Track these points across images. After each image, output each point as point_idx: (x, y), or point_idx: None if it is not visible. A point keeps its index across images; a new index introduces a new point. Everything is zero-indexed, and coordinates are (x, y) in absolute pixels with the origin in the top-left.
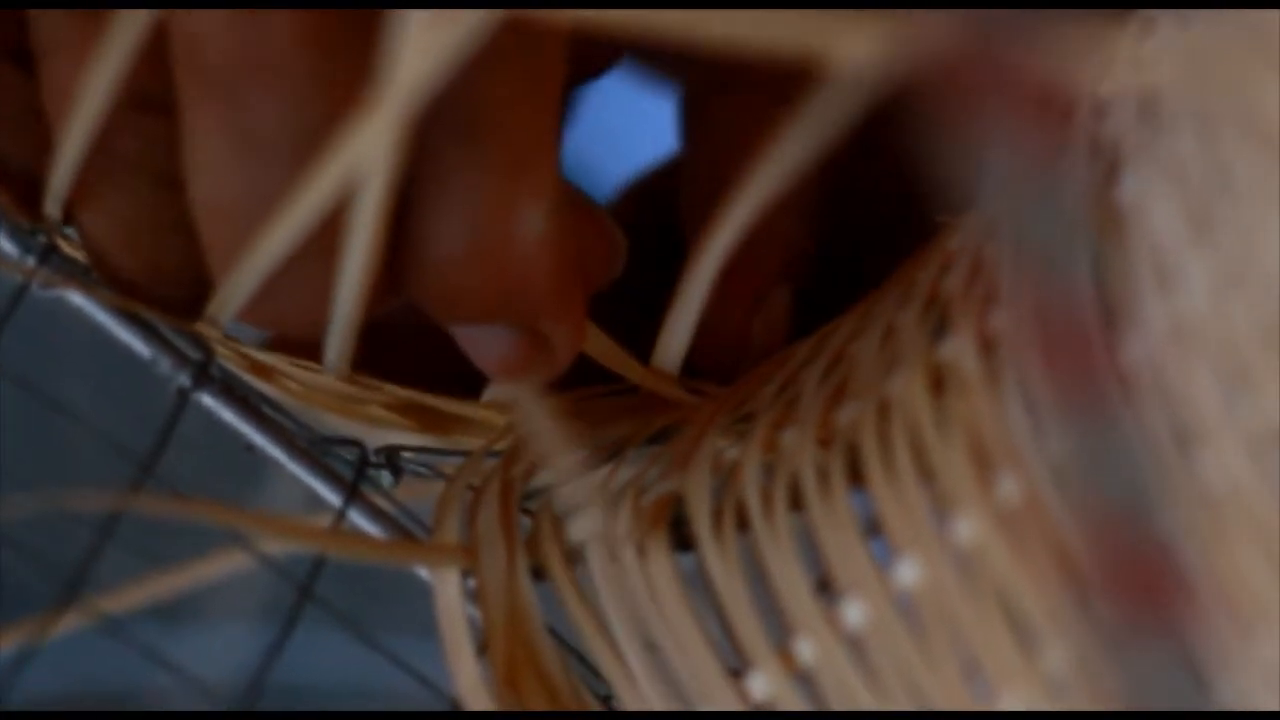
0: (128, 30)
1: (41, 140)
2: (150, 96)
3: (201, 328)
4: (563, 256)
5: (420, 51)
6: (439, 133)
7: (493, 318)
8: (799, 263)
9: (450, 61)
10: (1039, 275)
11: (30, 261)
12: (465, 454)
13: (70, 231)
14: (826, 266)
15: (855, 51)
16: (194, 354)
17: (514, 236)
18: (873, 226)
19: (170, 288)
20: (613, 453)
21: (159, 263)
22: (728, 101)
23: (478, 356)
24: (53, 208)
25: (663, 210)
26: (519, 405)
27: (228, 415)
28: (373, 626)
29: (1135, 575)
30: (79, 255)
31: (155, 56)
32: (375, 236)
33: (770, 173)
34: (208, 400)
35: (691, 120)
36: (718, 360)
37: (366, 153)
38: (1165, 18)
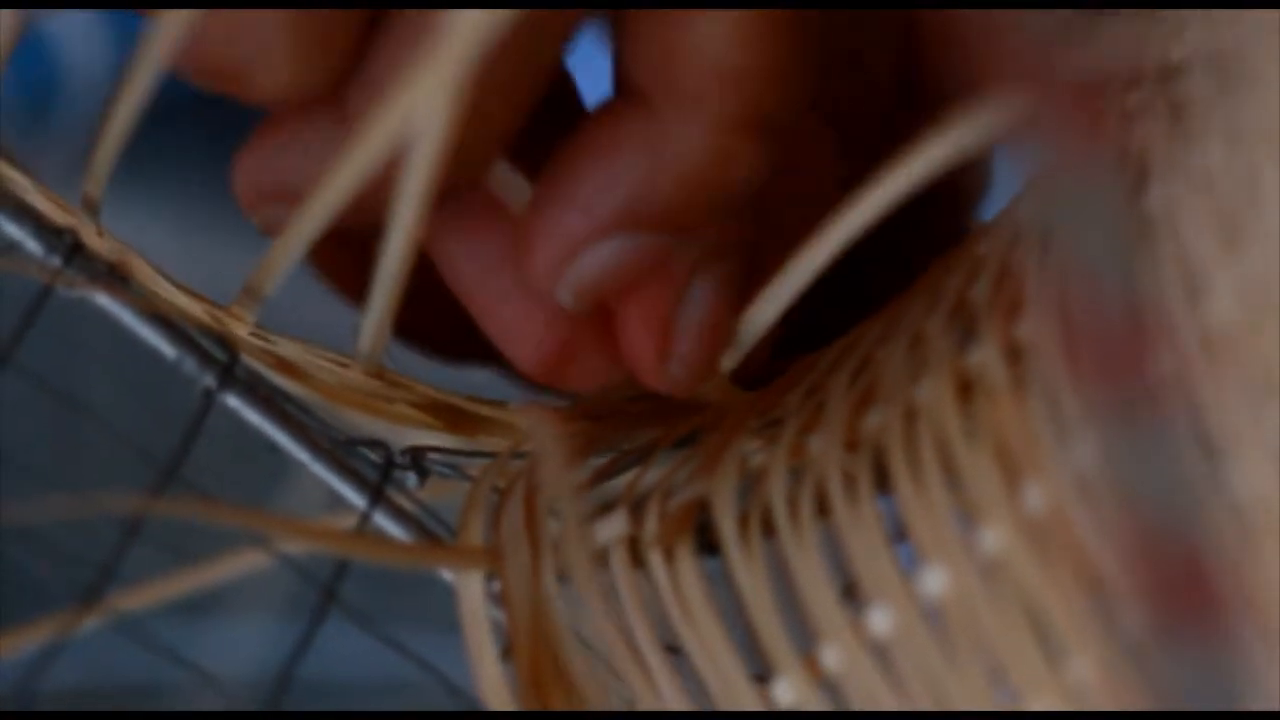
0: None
1: None
2: None
3: (238, 305)
4: None
5: None
6: None
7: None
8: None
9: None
10: (1085, 280)
11: (55, 261)
12: (492, 455)
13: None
14: (829, 277)
15: None
16: (219, 354)
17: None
18: (878, 236)
19: None
20: (640, 456)
21: None
22: None
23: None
24: (93, 188)
25: None
26: (527, 425)
27: (252, 416)
28: (397, 620)
29: (1175, 584)
30: (105, 253)
31: None
32: (425, 202)
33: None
34: (233, 401)
35: None
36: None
37: (420, 110)
38: (1194, 21)
